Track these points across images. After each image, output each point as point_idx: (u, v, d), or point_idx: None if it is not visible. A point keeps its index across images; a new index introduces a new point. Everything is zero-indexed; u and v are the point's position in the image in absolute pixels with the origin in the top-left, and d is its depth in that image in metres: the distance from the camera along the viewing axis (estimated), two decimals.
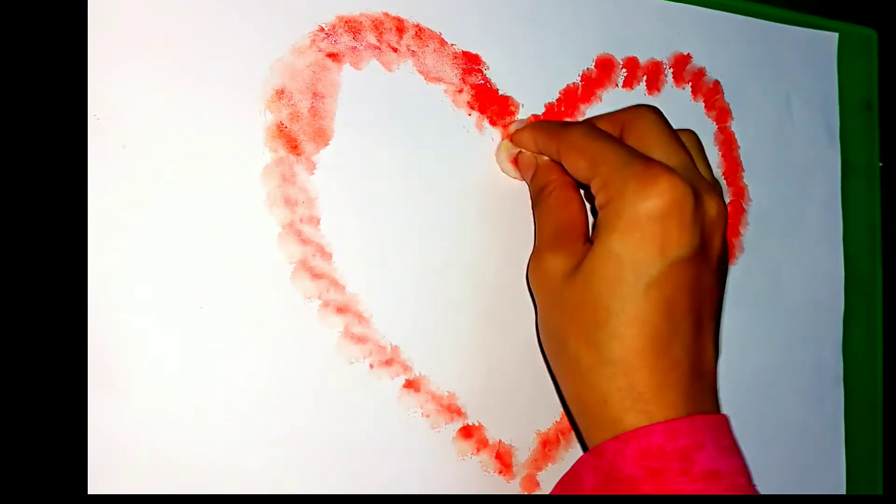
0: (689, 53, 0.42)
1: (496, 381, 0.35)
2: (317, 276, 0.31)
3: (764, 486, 0.43)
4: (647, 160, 0.29)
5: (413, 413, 0.33)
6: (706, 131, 0.42)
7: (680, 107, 0.41)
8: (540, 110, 0.37)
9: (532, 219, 0.35)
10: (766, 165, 0.44)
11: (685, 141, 0.32)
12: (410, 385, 0.33)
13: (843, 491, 0.46)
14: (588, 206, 0.33)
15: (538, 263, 0.32)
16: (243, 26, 0.30)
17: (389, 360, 0.33)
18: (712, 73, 0.42)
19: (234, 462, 0.30)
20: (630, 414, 0.28)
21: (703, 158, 0.33)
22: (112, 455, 0.28)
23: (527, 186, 0.35)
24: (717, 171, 0.43)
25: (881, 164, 0.48)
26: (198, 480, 0.29)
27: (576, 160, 0.31)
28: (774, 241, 0.45)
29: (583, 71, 0.38)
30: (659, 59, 0.41)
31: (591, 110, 0.38)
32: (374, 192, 0.33)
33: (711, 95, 0.42)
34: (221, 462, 0.29)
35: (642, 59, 0.40)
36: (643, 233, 0.28)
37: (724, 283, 0.32)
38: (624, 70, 0.39)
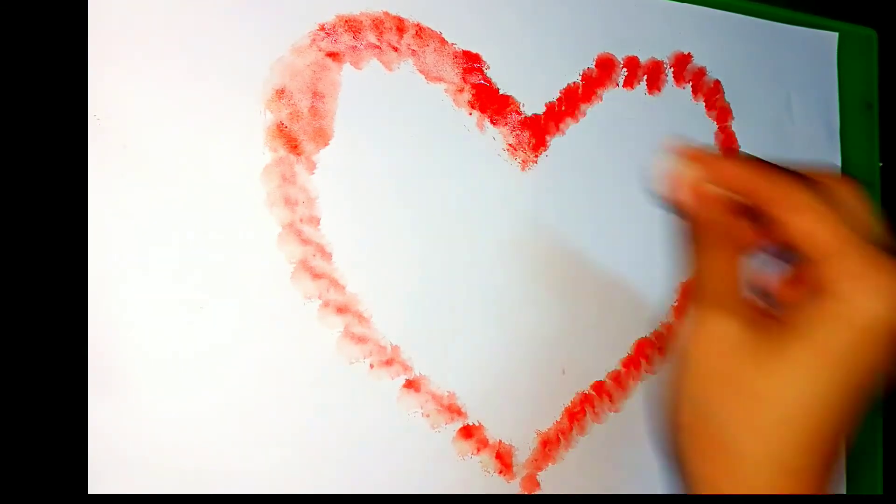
0: (689, 53, 0.42)
1: (496, 381, 0.35)
2: (317, 276, 0.31)
3: None
4: (878, 248, 0.24)
5: (413, 413, 0.33)
6: (706, 131, 0.42)
7: (680, 106, 0.41)
8: (541, 109, 0.37)
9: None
10: None
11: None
12: (410, 385, 0.33)
13: (842, 491, 0.46)
14: None
15: (706, 323, 0.26)
16: (243, 26, 0.30)
17: (389, 360, 0.33)
18: (713, 73, 0.42)
19: (234, 462, 0.30)
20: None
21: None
22: (112, 455, 0.28)
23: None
24: None
25: (881, 164, 0.48)
26: (198, 480, 0.29)
27: (811, 228, 0.25)
28: None
29: (583, 70, 0.38)
30: (659, 59, 0.41)
31: (591, 109, 0.38)
32: (375, 192, 0.33)
33: (712, 95, 0.42)
34: (221, 462, 0.29)
35: (643, 59, 0.40)
36: (869, 339, 0.24)
37: None
38: (624, 69, 0.39)
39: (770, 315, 0.27)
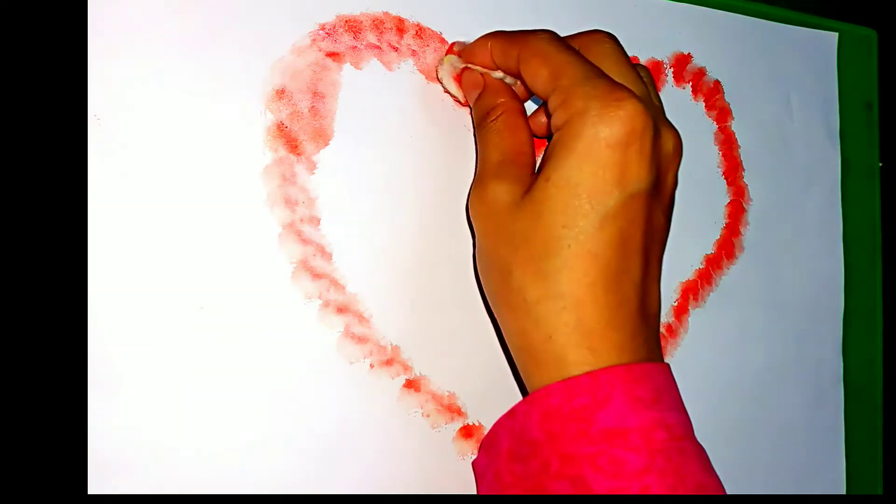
0: (689, 53, 0.42)
1: (496, 381, 0.35)
2: (317, 276, 0.31)
3: (763, 486, 0.44)
4: (613, 81, 0.27)
5: (413, 413, 0.33)
6: (706, 131, 0.42)
7: (680, 106, 0.41)
8: None
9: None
10: (767, 165, 0.44)
11: (642, 73, 0.31)
12: (411, 385, 0.33)
13: (843, 491, 0.46)
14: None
15: (481, 192, 0.29)
16: (243, 26, 0.30)
17: (390, 359, 0.33)
18: (712, 73, 0.42)
19: (234, 462, 0.30)
20: (575, 350, 0.27)
21: (657, 95, 0.32)
22: (112, 455, 0.28)
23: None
24: (717, 171, 0.43)
25: (881, 164, 0.48)
26: (198, 480, 0.29)
27: (537, 68, 0.29)
28: (774, 240, 0.45)
29: None
30: (659, 59, 0.41)
31: None
32: (375, 192, 0.33)
33: (712, 95, 0.42)
34: (221, 462, 0.29)
35: (643, 59, 0.40)
36: (602, 160, 0.27)
37: (670, 223, 0.31)
38: None
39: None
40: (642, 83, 0.29)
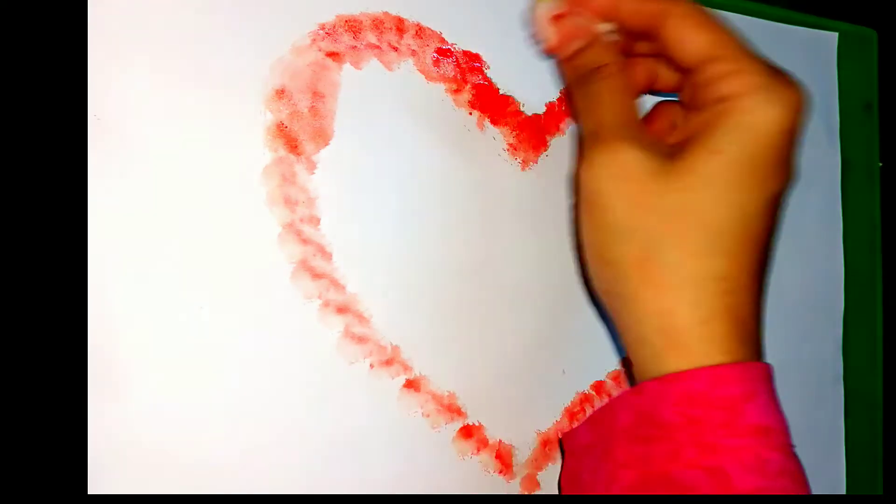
0: None
1: (496, 381, 0.35)
2: (317, 276, 0.31)
3: None
4: (772, 63, 0.26)
5: (413, 413, 0.33)
6: None
7: None
8: (541, 109, 0.37)
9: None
10: None
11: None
12: (410, 385, 0.33)
13: (842, 491, 0.46)
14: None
15: (613, 155, 0.26)
16: (243, 26, 0.30)
17: (389, 360, 0.33)
18: None
19: (233, 462, 0.30)
20: (729, 340, 0.25)
21: None
22: (112, 455, 0.28)
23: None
24: None
25: (881, 164, 0.48)
26: (198, 480, 0.29)
27: (692, 32, 0.26)
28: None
29: None
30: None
31: None
32: (375, 192, 0.33)
33: None
34: (221, 462, 0.29)
35: None
36: (777, 143, 0.25)
37: None
38: None
39: (667, 140, 0.28)
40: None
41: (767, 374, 0.26)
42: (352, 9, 0.32)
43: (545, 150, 0.36)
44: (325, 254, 0.31)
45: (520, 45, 0.36)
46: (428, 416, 0.33)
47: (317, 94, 0.32)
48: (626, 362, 0.30)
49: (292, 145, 0.31)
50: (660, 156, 0.26)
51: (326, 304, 0.31)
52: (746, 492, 0.24)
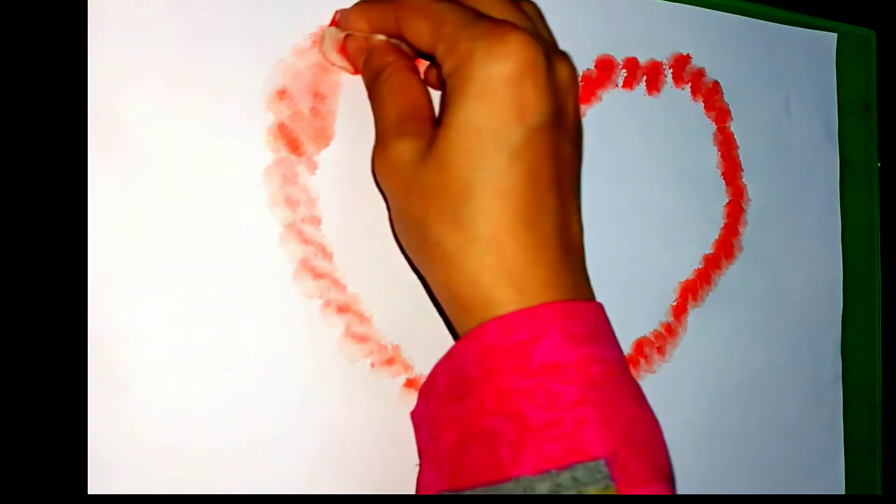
0: (688, 54, 0.42)
1: None
2: (318, 275, 0.31)
3: (763, 485, 0.44)
4: (495, 20, 0.27)
5: None
6: (705, 131, 0.42)
7: (679, 107, 0.41)
8: None
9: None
10: (765, 165, 0.44)
11: (525, 8, 0.30)
12: (411, 384, 0.33)
13: (841, 491, 0.46)
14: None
15: (384, 153, 0.29)
16: (244, 27, 0.30)
17: (390, 359, 0.33)
18: (711, 74, 0.42)
19: (234, 462, 0.30)
20: (502, 290, 0.26)
21: (546, 27, 0.31)
22: (112, 455, 0.28)
23: None
24: (716, 171, 0.43)
25: (879, 165, 0.48)
26: (198, 480, 0.29)
27: (416, 23, 0.28)
28: (773, 240, 0.45)
29: (583, 71, 0.38)
30: (658, 60, 0.41)
31: (591, 111, 0.38)
32: (375, 192, 0.33)
33: (711, 96, 0.42)
34: (222, 462, 0.29)
35: (642, 60, 0.40)
36: (499, 97, 0.26)
37: (581, 154, 0.30)
38: (624, 70, 0.40)
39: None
40: (527, 17, 0.29)
41: (560, 312, 0.27)
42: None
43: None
44: (326, 254, 0.31)
45: None
46: None
47: (318, 95, 0.32)
48: None
49: (293, 146, 0.31)
50: (426, 143, 0.28)
51: (327, 304, 0.31)
52: (540, 427, 0.25)
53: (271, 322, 0.30)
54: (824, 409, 0.46)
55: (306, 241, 0.31)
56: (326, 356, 0.31)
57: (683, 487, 0.40)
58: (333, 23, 0.31)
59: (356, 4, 0.31)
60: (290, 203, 0.31)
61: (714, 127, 0.43)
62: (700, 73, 0.42)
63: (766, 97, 0.44)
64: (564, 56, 0.29)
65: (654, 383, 0.40)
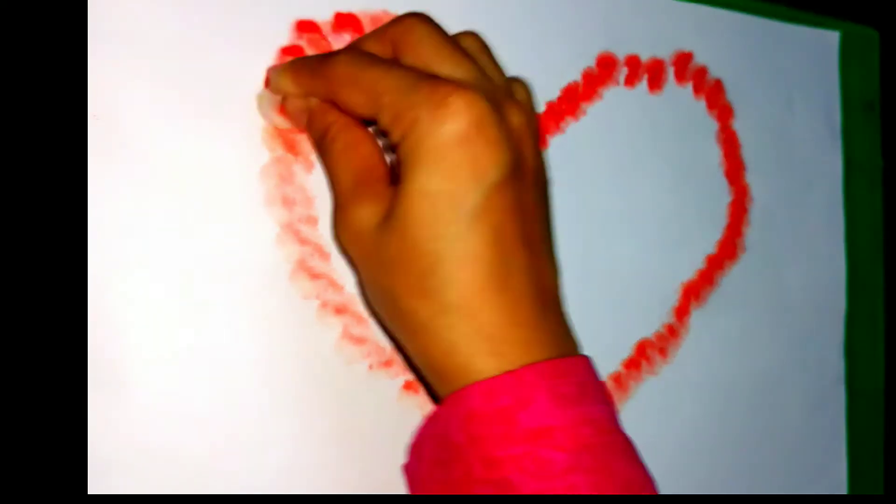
0: (690, 52, 0.41)
1: None
2: (315, 276, 0.31)
3: (766, 486, 0.43)
4: (433, 79, 0.26)
5: (413, 414, 0.33)
6: (708, 130, 0.42)
7: (682, 105, 0.41)
8: (541, 108, 0.37)
9: None
10: (768, 164, 0.44)
11: (468, 46, 0.29)
12: (410, 386, 0.33)
13: (844, 491, 0.46)
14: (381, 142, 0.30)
15: (343, 220, 0.28)
16: (241, 25, 0.30)
17: (388, 360, 0.33)
18: (714, 72, 0.42)
19: (233, 462, 0.30)
20: (481, 358, 0.26)
21: (493, 62, 0.29)
22: (112, 455, 0.28)
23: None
24: (719, 170, 0.43)
25: (882, 164, 0.48)
26: (198, 480, 0.29)
27: (350, 96, 0.27)
28: (777, 240, 0.44)
29: (584, 69, 0.38)
30: (661, 57, 0.41)
31: (592, 108, 0.38)
32: None
33: (713, 94, 0.42)
34: (221, 462, 0.29)
35: (644, 57, 0.40)
36: (452, 161, 0.25)
37: (547, 196, 0.29)
38: (625, 68, 0.39)
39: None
40: (469, 61, 0.27)
41: (546, 372, 0.26)
42: (351, 7, 0.32)
43: (545, 149, 0.36)
44: (324, 254, 0.31)
45: (520, 43, 0.36)
46: None
47: None
48: None
49: (290, 145, 0.31)
50: (384, 207, 0.27)
51: (325, 305, 0.31)
52: (531, 494, 0.25)
53: (268, 323, 0.30)
54: (827, 409, 0.46)
55: (303, 241, 0.31)
56: (324, 357, 0.31)
57: (686, 488, 0.40)
58: (268, 83, 0.30)
59: (285, 68, 0.30)
60: (287, 202, 0.31)
61: (717, 125, 0.43)
62: (703, 70, 0.42)
63: (769, 95, 0.44)
64: (513, 99, 0.28)
65: (656, 385, 0.40)
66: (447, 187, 0.26)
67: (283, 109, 0.30)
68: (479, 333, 0.26)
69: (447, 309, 0.26)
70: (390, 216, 0.27)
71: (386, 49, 0.28)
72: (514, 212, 0.27)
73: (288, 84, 0.29)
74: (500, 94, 0.28)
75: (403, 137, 0.26)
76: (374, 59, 0.27)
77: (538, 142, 0.29)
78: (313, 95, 0.29)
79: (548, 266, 0.28)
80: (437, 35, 0.28)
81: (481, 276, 0.26)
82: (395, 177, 0.27)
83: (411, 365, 0.32)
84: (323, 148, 0.29)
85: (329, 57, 0.28)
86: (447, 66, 0.27)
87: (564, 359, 0.27)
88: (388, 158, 0.29)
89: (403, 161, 0.26)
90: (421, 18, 0.28)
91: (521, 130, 0.27)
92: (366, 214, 0.27)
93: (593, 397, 0.27)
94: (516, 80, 0.30)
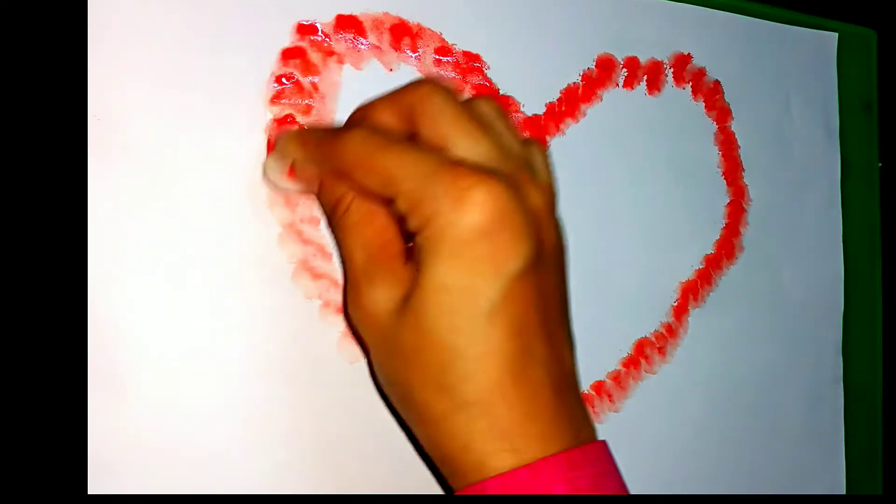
0: (689, 53, 0.42)
1: None
2: (317, 275, 0.31)
3: (763, 485, 0.44)
4: (454, 167, 0.25)
5: None
6: (706, 131, 0.42)
7: (680, 107, 0.41)
8: (541, 110, 0.37)
9: None
10: (766, 165, 0.44)
11: (484, 114, 0.27)
12: None
13: (842, 491, 0.46)
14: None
15: (357, 300, 0.27)
16: (243, 26, 0.30)
17: None
18: (712, 73, 0.42)
19: (234, 462, 0.30)
20: (497, 455, 0.25)
21: (509, 129, 0.28)
22: (112, 455, 0.28)
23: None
24: (717, 171, 0.43)
25: (880, 165, 0.48)
26: (198, 480, 0.29)
27: (364, 178, 0.26)
28: (774, 240, 0.45)
29: (583, 70, 0.38)
30: (659, 59, 0.41)
31: (591, 110, 0.38)
32: None
33: (712, 95, 0.42)
34: (221, 462, 0.29)
35: (643, 59, 0.40)
36: (473, 255, 0.25)
37: (565, 272, 0.29)
38: (624, 70, 0.39)
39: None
40: (487, 137, 0.26)
41: (565, 465, 0.25)
42: (352, 8, 0.32)
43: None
44: (326, 254, 0.31)
45: (520, 45, 0.36)
46: None
47: (318, 95, 0.32)
48: None
49: None
50: (401, 290, 0.26)
51: (327, 304, 0.31)
52: None
53: (270, 322, 0.30)
54: (825, 409, 0.46)
55: (305, 241, 0.31)
56: (326, 356, 0.31)
57: (683, 487, 0.40)
58: (271, 147, 0.30)
59: (294, 138, 0.29)
60: (289, 203, 0.31)
61: (715, 126, 0.43)
62: (701, 72, 0.42)
63: (767, 97, 0.44)
64: (531, 174, 0.27)
65: (655, 384, 0.40)
66: (468, 282, 0.25)
67: (291, 173, 0.29)
68: (496, 430, 0.25)
69: (463, 405, 0.25)
70: (407, 304, 0.26)
71: (401, 118, 0.27)
72: (534, 300, 0.26)
73: (297, 152, 0.28)
74: (519, 171, 0.27)
75: (423, 227, 0.25)
76: (388, 141, 0.26)
77: (555, 212, 0.28)
78: (324, 166, 0.28)
79: (565, 349, 0.28)
80: (454, 107, 0.27)
81: (500, 371, 0.25)
82: (410, 252, 0.27)
83: (419, 450, 0.31)
84: (335, 220, 0.28)
85: (341, 134, 0.27)
86: (465, 142, 0.26)
87: (581, 448, 0.26)
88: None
89: (422, 250, 0.25)
90: (437, 87, 0.27)
91: (541, 211, 0.27)
92: (381, 297, 0.26)
93: (610, 483, 0.26)
94: (532, 146, 0.29)
